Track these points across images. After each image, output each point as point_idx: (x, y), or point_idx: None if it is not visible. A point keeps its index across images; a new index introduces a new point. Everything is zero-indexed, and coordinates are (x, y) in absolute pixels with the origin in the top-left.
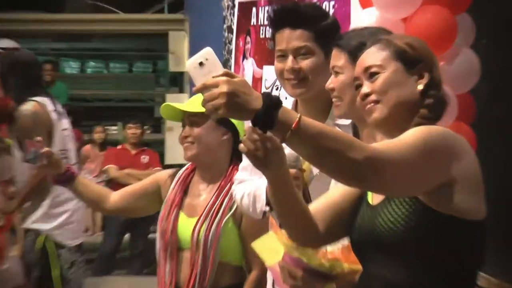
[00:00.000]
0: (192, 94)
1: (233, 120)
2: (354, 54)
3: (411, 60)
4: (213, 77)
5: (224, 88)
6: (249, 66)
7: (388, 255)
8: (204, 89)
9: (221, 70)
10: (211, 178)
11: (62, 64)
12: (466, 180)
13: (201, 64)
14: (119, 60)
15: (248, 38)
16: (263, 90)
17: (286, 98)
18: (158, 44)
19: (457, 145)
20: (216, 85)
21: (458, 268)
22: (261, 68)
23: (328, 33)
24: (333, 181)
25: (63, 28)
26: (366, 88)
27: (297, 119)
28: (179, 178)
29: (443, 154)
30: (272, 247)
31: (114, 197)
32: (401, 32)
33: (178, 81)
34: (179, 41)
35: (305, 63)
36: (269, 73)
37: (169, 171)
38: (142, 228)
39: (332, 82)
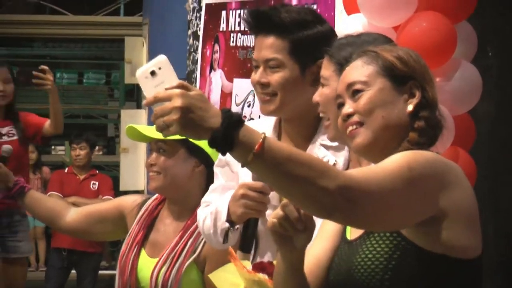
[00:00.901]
0: (151, 110)
1: (208, 150)
2: (342, 66)
3: (401, 76)
4: (166, 89)
5: (177, 102)
6: (217, 79)
7: None
8: (155, 102)
9: (176, 81)
10: (179, 214)
11: None
12: (458, 213)
13: (153, 73)
14: (67, 69)
15: (217, 46)
16: (233, 106)
17: (259, 116)
18: (112, 52)
19: (448, 173)
20: (169, 98)
21: None
22: (231, 81)
23: (308, 45)
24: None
25: (0, 30)
26: (348, 107)
27: (261, 140)
28: (145, 210)
29: (431, 183)
30: (230, 280)
31: (71, 216)
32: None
33: (135, 95)
34: (136, 48)
35: (274, 77)
36: (240, 88)
37: (137, 199)
38: (91, 263)
39: (317, 94)
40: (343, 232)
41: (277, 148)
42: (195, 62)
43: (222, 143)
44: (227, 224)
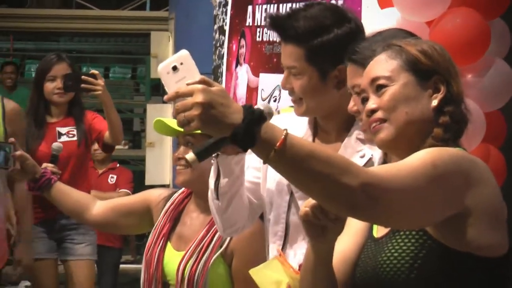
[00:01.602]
0: None
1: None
2: (363, 63)
3: (425, 71)
4: (187, 84)
5: (199, 98)
6: (243, 74)
7: None
8: (176, 98)
9: (198, 76)
10: (206, 208)
11: (27, 67)
12: (483, 211)
13: (174, 68)
14: (93, 63)
15: (243, 41)
16: (259, 101)
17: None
18: (138, 46)
19: (473, 171)
20: (190, 94)
21: None
22: (257, 76)
23: (325, 51)
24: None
25: (27, 25)
26: (372, 103)
27: (282, 137)
28: (172, 203)
29: (455, 180)
30: (273, 277)
31: (97, 209)
32: (425, 38)
33: (161, 89)
34: (162, 43)
35: (296, 84)
36: (266, 82)
37: (163, 192)
38: (110, 258)
39: (355, 103)
40: (370, 229)
41: (298, 145)
42: (221, 57)
43: (243, 139)
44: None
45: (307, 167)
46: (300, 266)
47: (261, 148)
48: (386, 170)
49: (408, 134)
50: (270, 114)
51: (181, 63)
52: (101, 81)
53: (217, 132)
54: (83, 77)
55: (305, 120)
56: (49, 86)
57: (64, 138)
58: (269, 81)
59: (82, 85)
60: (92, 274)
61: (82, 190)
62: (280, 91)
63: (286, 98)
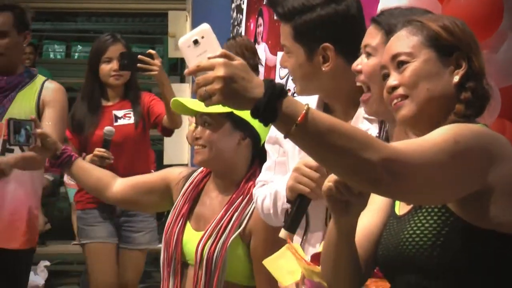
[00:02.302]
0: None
1: (254, 123)
2: (391, 34)
3: (447, 47)
4: (208, 58)
5: (220, 72)
6: (261, 52)
7: (417, 277)
8: (197, 71)
9: (219, 50)
10: (225, 187)
11: (45, 47)
12: (506, 187)
13: (195, 42)
14: None
15: (260, 20)
16: (277, 80)
17: None
18: (156, 26)
19: (495, 146)
20: (211, 68)
21: None
22: (275, 54)
23: (310, 29)
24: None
25: (44, 5)
26: (393, 79)
27: (304, 111)
28: (191, 183)
29: (478, 157)
30: (286, 266)
31: (118, 186)
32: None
33: (179, 69)
34: (180, 22)
35: (288, 63)
36: None
37: (183, 171)
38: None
39: (361, 63)
40: (392, 207)
41: (320, 119)
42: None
43: (264, 113)
44: (288, 205)
45: (328, 141)
46: (312, 256)
47: (283, 122)
48: (408, 145)
49: (430, 111)
50: None
51: (202, 37)
52: (157, 61)
53: (238, 106)
54: (139, 56)
55: (314, 102)
56: (104, 68)
57: (120, 122)
58: None
59: (138, 65)
60: (143, 263)
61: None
62: None
63: None
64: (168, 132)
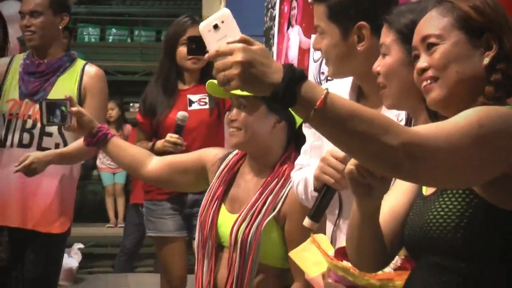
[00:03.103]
0: None
1: None
2: (402, 33)
3: (477, 28)
4: (228, 43)
5: (239, 57)
6: (295, 35)
7: (441, 258)
8: (217, 56)
9: (238, 35)
10: (259, 170)
11: (80, 30)
12: None
13: (216, 27)
14: (145, 27)
15: (294, 3)
16: (311, 63)
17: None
18: (190, 9)
19: None
20: (230, 53)
21: None
22: (309, 37)
23: (345, 8)
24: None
25: None
26: (423, 61)
27: (323, 96)
28: (226, 165)
29: (503, 140)
30: (312, 258)
31: (154, 164)
32: None
33: None
34: (213, 5)
35: (321, 45)
36: None
37: (219, 153)
38: None
39: (378, 64)
40: (420, 187)
41: (339, 104)
42: (272, 19)
43: (283, 98)
44: (315, 193)
45: (348, 126)
46: (336, 251)
47: (302, 107)
48: (430, 129)
49: (460, 93)
50: None
51: (222, 22)
52: None
53: (257, 91)
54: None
55: (348, 86)
56: (182, 50)
57: (195, 106)
58: None
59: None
60: None
61: None
62: None
63: None
64: None
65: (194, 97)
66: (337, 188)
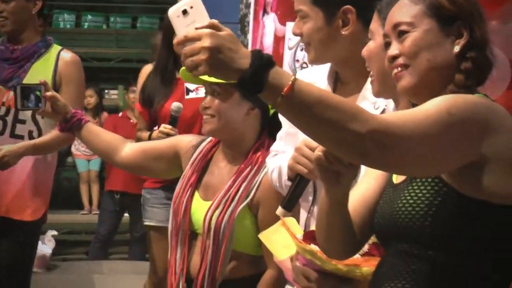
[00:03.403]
0: None
1: None
2: (385, 16)
3: (448, 16)
4: (196, 28)
5: (206, 42)
6: (270, 23)
7: (410, 246)
8: (185, 41)
9: (207, 21)
10: (233, 157)
11: (55, 16)
12: (501, 159)
13: (184, 12)
14: (121, 13)
15: None
16: (286, 50)
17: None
18: None
19: (492, 118)
20: (198, 38)
21: (490, 263)
22: (284, 25)
23: None
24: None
25: None
26: (394, 49)
27: (290, 82)
28: (200, 152)
29: (471, 128)
30: (282, 241)
31: (127, 151)
32: None
33: None
34: None
35: (304, 29)
36: None
37: (193, 140)
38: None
39: (364, 49)
40: (390, 175)
41: (307, 91)
42: (248, 6)
43: (251, 84)
44: (289, 182)
45: (315, 113)
46: (304, 235)
47: (269, 93)
48: (398, 117)
49: (430, 81)
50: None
51: (191, 7)
52: None
53: (224, 77)
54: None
55: (325, 73)
56: None
57: (192, 95)
58: None
59: None
60: None
61: None
62: None
63: None
64: None
65: (191, 86)
66: (310, 178)
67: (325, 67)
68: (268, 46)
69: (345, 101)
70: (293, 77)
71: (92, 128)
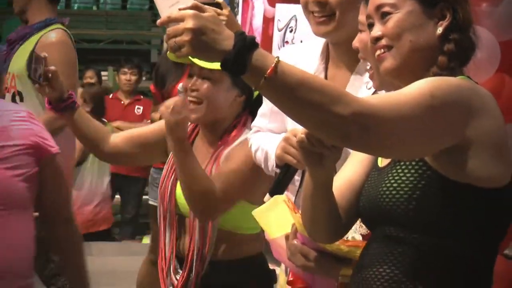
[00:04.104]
0: None
1: None
2: None
3: None
4: (179, 9)
5: (189, 24)
6: (259, 4)
7: (394, 229)
8: (168, 22)
9: (190, 2)
10: (212, 140)
11: None
12: (484, 142)
13: None
14: None
15: None
16: (275, 32)
17: (301, 41)
18: None
19: (475, 100)
20: (181, 19)
21: (475, 246)
22: (273, 6)
23: None
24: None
25: None
26: (377, 30)
27: (273, 65)
28: None
29: (454, 111)
30: (276, 219)
31: (114, 140)
32: None
33: None
34: None
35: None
36: (282, 13)
37: None
38: (135, 188)
39: (356, 40)
40: (375, 158)
41: (290, 73)
42: None
43: (234, 66)
44: (277, 170)
45: (298, 95)
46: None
47: (252, 75)
48: (381, 99)
49: (413, 63)
50: None
51: None
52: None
53: (207, 58)
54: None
55: (317, 50)
56: None
57: None
58: (285, 11)
59: None
60: None
61: None
62: (296, 21)
63: (302, 28)
64: None
65: None
66: (299, 168)
67: (316, 43)
68: (257, 28)
69: (328, 83)
70: (276, 59)
71: (83, 113)
